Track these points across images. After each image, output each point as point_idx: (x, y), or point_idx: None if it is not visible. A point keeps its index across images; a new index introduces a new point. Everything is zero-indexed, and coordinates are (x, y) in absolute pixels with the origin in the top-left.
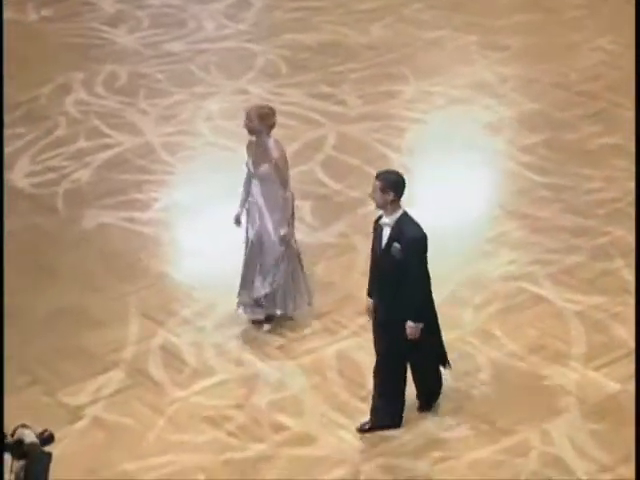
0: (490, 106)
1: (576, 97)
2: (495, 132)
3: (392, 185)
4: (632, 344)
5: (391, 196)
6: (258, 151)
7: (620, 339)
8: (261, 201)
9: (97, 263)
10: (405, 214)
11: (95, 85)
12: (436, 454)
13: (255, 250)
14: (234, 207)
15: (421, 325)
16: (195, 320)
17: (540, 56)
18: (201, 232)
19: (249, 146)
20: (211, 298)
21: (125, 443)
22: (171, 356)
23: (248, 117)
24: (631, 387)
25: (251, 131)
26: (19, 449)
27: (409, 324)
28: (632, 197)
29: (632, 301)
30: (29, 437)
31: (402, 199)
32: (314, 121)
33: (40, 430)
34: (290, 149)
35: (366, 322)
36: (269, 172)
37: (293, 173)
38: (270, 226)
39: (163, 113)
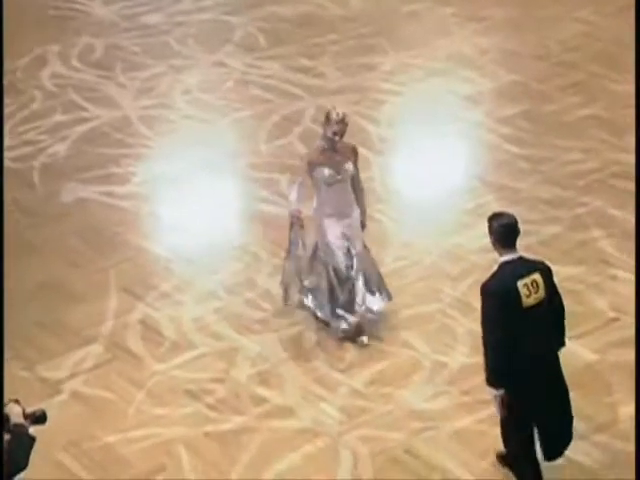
0: (469, 78)
1: (555, 68)
2: (474, 104)
3: (490, 229)
4: (610, 314)
5: (491, 239)
6: (338, 154)
7: (597, 309)
8: (348, 204)
9: (76, 238)
10: (504, 263)
11: (71, 58)
12: (416, 425)
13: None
14: (213, 180)
15: (499, 392)
16: (174, 294)
17: (519, 27)
18: (180, 206)
19: (316, 159)
20: (190, 272)
21: (105, 416)
22: (150, 330)
23: (344, 122)
24: (608, 357)
25: (342, 135)
26: (4, 425)
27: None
28: (610, 169)
29: (609, 271)
30: (17, 416)
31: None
32: (293, 94)
33: (32, 409)
34: (269, 122)
35: None
36: (353, 168)
37: (272, 147)
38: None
39: (140, 86)
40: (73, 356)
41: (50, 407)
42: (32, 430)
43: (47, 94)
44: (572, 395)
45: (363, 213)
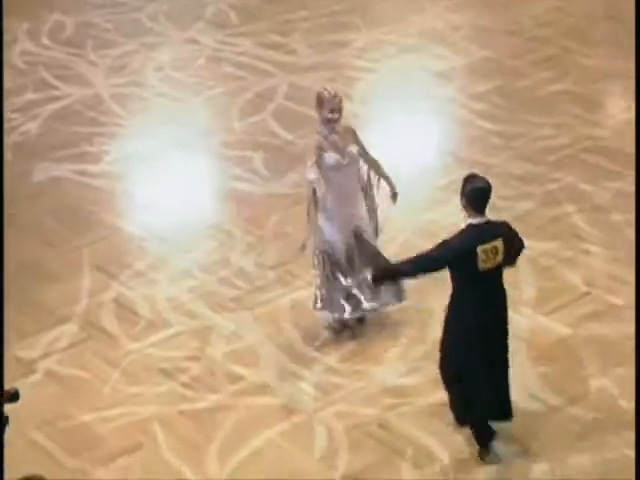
0: (441, 54)
1: (528, 44)
2: (446, 80)
3: (462, 191)
4: (582, 288)
5: (462, 201)
6: (339, 138)
7: (570, 284)
8: (357, 186)
9: (50, 217)
10: (470, 225)
11: (41, 35)
12: (390, 400)
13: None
14: (186, 158)
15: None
16: (148, 273)
17: (491, 3)
18: (153, 184)
19: (322, 144)
20: (164, 251)
21: (80, 395)
22: (125, 309)
23: (338, 97)
24: (581, 331)
25: (340, 111)
26: None
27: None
28: (582, 144)
29: (582, 246)
30: None
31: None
32: (265, 71)
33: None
34: (241, 99)
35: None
36: (357, 148)
37: (245, 124)
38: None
39: (112, 64)
40: (47, 335)
41: (24, 387)
42: (5, 409)
43: (18, 72)
44: (545, 369)
45: (387, 179)
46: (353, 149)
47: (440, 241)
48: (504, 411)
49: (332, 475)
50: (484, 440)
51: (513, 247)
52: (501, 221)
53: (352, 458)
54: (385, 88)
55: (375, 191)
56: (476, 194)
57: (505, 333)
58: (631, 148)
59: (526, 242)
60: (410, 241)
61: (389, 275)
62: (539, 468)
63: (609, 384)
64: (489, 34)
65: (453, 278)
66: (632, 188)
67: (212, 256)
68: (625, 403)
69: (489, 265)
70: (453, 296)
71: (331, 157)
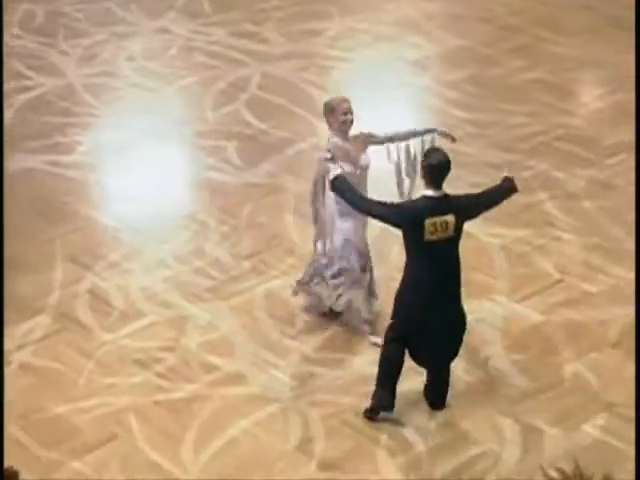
0: (416, 43)
1: (501, 32)
2: (421, 69)
3: (422, 164)
4: (555, 275)
5: (421, 172)
6: (352, 148)
7: (543, 271)
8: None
9: (23, 208)
10: (424, 196)
11: (11, 25)
12: (365, 388)
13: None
14: (159, 148)
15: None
16: (123, 263)
17: None
18: (127, 175)
19: (339, 148)
20: (138, 241)
21: (55, 387)
22: (99, 300)
23: (347, 99)
24: (554, 317)
25: (352, 113)
26: None
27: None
28: (555, 132)
29: (554, 233)
30: None
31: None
32: (238, 60)
33: None
34: (214, 89)
35: (295, 261)
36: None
37: (218, 114)
38: None
39: (83, 54)
40: (21, 327)
41: None
42: None
43: None
44: (519, 356)
45: (425, 133)
46: (366, 159)
47: (396, 203)
48: (436, 396)
49: (308, 463)
50: (378, 401)
51: (473, 217)
52: (458, 197)
53: (328, 446)
54: (359, 77)
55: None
56: (432, 168)
57: (455, 307)
58: (603, 136)
59: (499, 230)
60: (384, 229)
61: (343, 190)
62: (513, 455)
63: (583, 369)
64: (463, 22)
65: (405, 247)
66: (604, 175)
67: (186, 246)
68: (599, 388)
69: (435, 237)
70: (405, 265)
71: (345, 168)
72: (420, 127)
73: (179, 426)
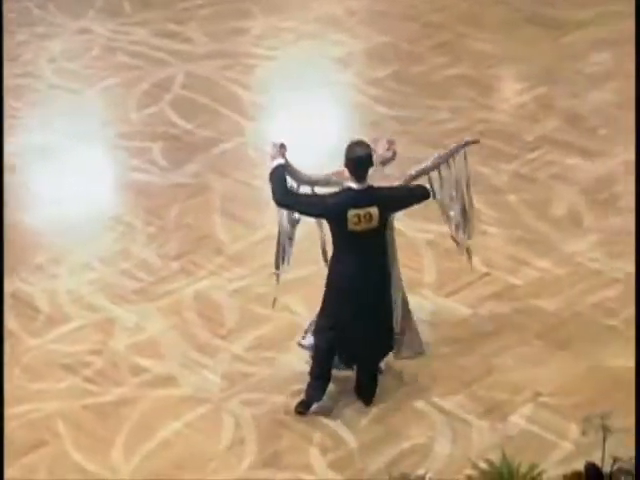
0: (339, 40)
1: (424, 29)
2: (345, 66)
3: (345, 156)
4: (482, 269)
5: (344, 164)
6: None
7: (469, 265)
8: None
9: None
10: (348, 188)
11: None
12: (298, 387)
13: None
14: (83, 150)
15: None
16: (48, 267)
17: None
18: (51, 177)
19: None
20: (64, 244)
21: None
22: (23, 304)
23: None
24: (481, 310)
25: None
26: None
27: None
28: (477, 127)
29: (480, 228)
30: None
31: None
32: (161, 60)
33: None
34: (138, 90)
35: (224, 261)
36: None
37: (142, 115)
38: None
39: (4, 54)
40: None
41: None
42: None
43: None
44: (449, 350)
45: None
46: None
47: (320, 194)
48: (365, 392)
49: (240, 463)
50: (308, 396)
51: (396, 210)
52: (383, 189)
53: (260, 445)
54: (284, 75)
55: None
56: (353, 162)
57: (380, 299)
58: (525, 130)
59: (426, 225)
60: (313, 227)
61: (275, 179)
62: (443, 448)
63: (510, 361)
64: (386, 19)
65: (332, 237)
66: (526, 169)
67: (113, 248)
68: (525, 379)
69: (359, 228)
70: (332, 255)
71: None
72: (445, 150)
73: (109, 430)
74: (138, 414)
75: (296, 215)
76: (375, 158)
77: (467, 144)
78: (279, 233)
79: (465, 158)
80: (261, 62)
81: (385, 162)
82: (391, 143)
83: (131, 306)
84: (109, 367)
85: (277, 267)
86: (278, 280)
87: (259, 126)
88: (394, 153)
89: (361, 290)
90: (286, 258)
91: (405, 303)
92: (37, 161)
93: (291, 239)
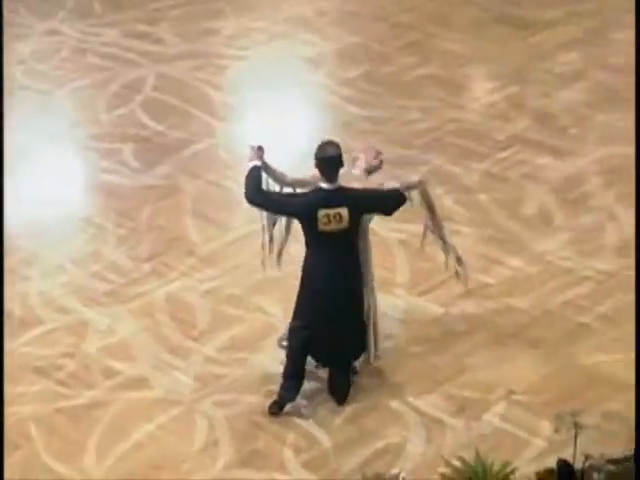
0: (310, 41)
1: (393, 29)
2: (316, 66)
3: (314, 156)
4: (454, 269)
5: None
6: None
7: (442, 265)
8: None
9: None
10: (319, 188)
11: None
12: (271, 387)
13: None
14: (54, 152)
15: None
16: (19, 269)
17: None
18: (22, 178)
19: None
20: (35, 246)
21: None
22: None
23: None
24: (453, 309)
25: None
26: None
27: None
28: (447, 127)
29: (452, 227)
30: None
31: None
32: (132, 61)
33: None
34: (109, 91)
35: (195, 262)
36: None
37: (112, 116)
38: None
39: None
40: None
41: None
42: None
43: None
44: (422, 349)
45: None
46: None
47: (291, 193)
48: (338, 392)
49: (214, 465)
50: (281, 396)
51: (367, 212)
52: (354, 191)
53: (234, 446)
54: (255, 76)
55: None
56: (322, 162)
57: (352, 300)
58: (495, 130)
59: (398, 225)
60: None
61: (250, 179)
62: (417, 447)
63: (482, 360)
64: (356, 20)
65: (304, 237)
66: (497, 169)
67: (84, 250)
68: (498, 377)
69: (329, 228)
70: (305, 255)
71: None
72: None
73: (81, 433)
74: (110, 417)
75: (275, 215)
76: (363, 166)
77: (420, 185)
78: (262, 229)
79: (425, 195)
80: (232, 63)
81: (372, 171)
82: (379, 153)
83: (103, 308)
84: (81, 370)
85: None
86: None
87: (230, 127)
88: (381, 162)
89: (332, 290)
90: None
91: (374, 313)
92: (6, 163)
93: (271, 240)
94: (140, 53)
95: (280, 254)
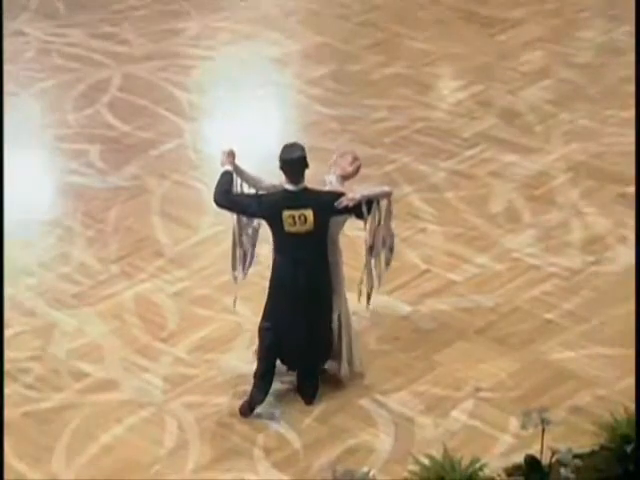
0: (276, 40)
1: (359, 28)
2: (283, 66)
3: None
4: (422, 267)
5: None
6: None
7: (409, 263)
8: None
9: None
10: (284, 190)
11: None
12: (240, 388)
13: None
14: (20, 153)
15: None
16: None
17: None
18: None
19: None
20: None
21: None
22: None
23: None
24: (422, 307)
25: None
26: None
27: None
28: (415, 125)
29: (420, 225)
30: None
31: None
32: (98, 62)
33: None
34: (74, 92)
35: (164, 263)
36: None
37: (79, 116)
38: None
39: None
40: None
41: None
42: None
43: None
44: (390, 347)
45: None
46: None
47: (256, 194)
48: (307, 391)
49: (184, 466)
50: (251, 398)
51: (333, 215)
52: (318, 193)
53: (203, 448)
54: (222, 76)
55: None
56: (287, 164)
57: (317, 302)
58: (462, 128)
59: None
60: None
61: (220, 183)
62: (386, 445)
63: (451, 357)
64: (321, 19)
65: (272, 238)
66: (464, 167)
67: (51, 252)
68: (466, 374)
69: (294, 230)
70: (273, 257)
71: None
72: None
73: (50, 436)
74: (80, 419)
75: (244, 219)
76: (338, 171)
77: (388, 195)
78: (233, 235)
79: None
80: (198, 63)
81: (347, 177)
82: (355, 159)
83: (71, 310)
84: (49, 373)
85: (234, 268)
86: (236, 281)
87: (198, 127)
88: (357, 168)
89: (295, 292)
90: (247, 261)
91: (347, 325)
92: None
93: (242, 244)
94: (105, 54)
95: (248, 267)
